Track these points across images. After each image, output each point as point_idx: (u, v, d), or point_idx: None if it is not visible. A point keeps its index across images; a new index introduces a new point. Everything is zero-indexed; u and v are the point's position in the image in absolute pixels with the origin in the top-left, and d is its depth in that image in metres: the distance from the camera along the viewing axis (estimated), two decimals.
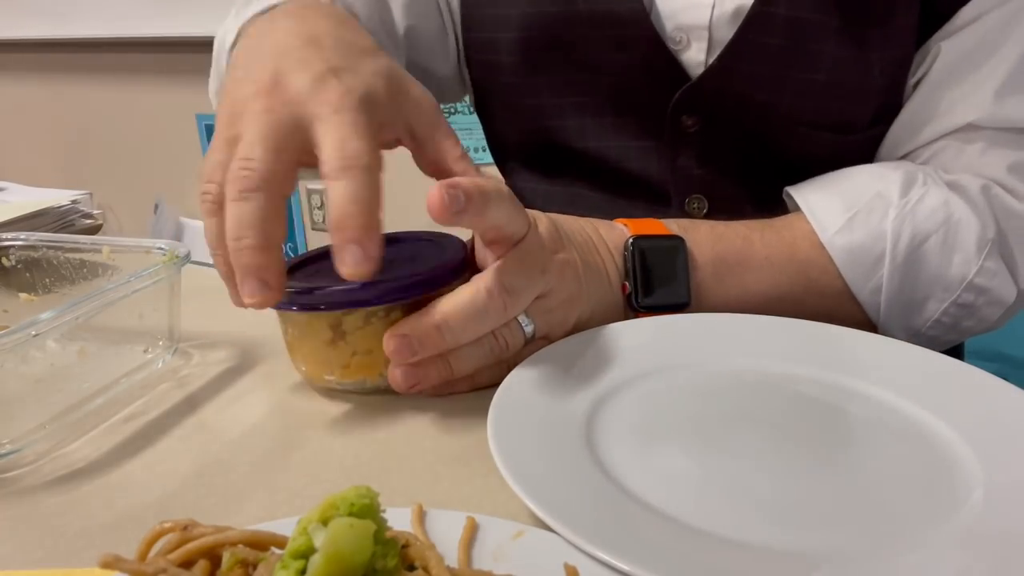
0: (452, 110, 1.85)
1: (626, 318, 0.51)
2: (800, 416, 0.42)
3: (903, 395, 0.43)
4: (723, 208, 0.64)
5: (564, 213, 0.59)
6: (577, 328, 0.48)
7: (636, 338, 0.48)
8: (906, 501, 0.35)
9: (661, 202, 0.66)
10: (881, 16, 0.57)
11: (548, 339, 0.47)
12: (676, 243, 0.51)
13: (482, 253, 0.46)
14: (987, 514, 0.34)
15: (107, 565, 0.26)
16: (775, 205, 0.59)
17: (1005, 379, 0.43)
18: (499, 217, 0.42)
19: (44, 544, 0.35)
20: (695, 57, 0.61)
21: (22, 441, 0.42)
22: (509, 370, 0.44)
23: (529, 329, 0.45)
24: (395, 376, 0.43)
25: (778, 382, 0.45)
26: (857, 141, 0.62)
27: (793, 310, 0.52)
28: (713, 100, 0.62)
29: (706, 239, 0.53)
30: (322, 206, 2.15)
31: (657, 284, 0.51)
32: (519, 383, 0.43)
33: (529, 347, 0.46)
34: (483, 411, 0.40)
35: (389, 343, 0.42)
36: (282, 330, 0.47)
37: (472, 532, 0.32)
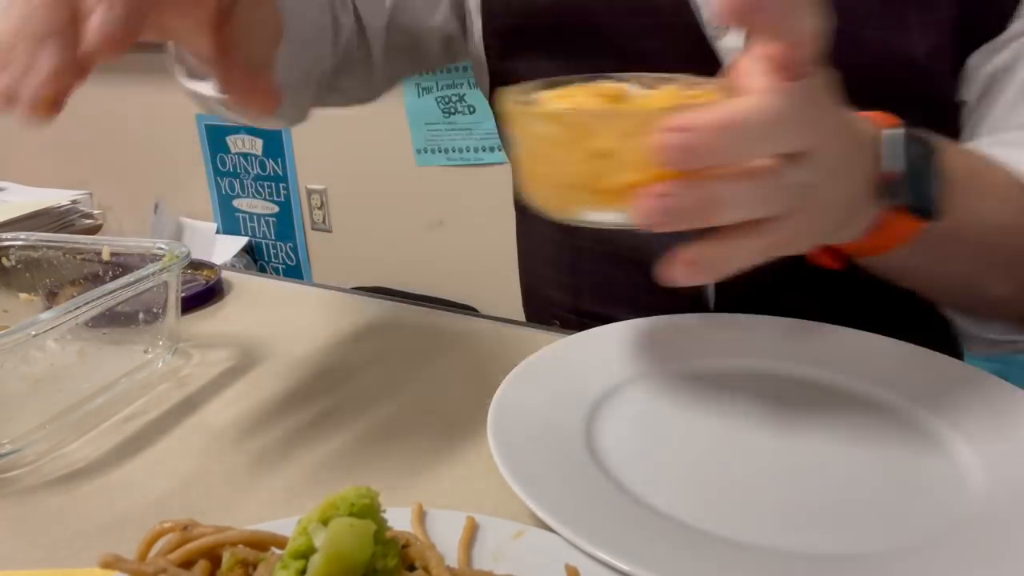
0: (452, 110, 1.84)
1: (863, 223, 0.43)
2: (800, 416, 0.42)
3: (904, 395, 0.43)
4: None
5: None
6: (824, 232, 0.40)
7: (636, 338, 0.48)
8: (906, 501, 0.35)
9: None
10: (920, 2, 0.56)
11: (795, 231, 0.36)
12: (935, 142, 0.45)
13: (748, 79, 0.37)
14: (987, 514, 0.34)
15: (107, 565, 0.26)
16: None
17: (1005, 379, 0.43)
18: (807, 28, 0.35)
19: (44, 544, 0.35)
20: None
21: (22, 441, 0.42)
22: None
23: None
24: (643, 206, 0.34)
25: (778, 383, 0.45)
26: None
27: (1016, 242, 0.49)
28: None
29: (952, 146, 0.47)
30: (322, 206, 2.15)
31: (912, 182, 0.44)
32: (519, 383, 0.43)
33: (769, 237, 0.36)
34: (483, 411, 0.40)
35: (660, 138, 0.34)
36: (518, 149, 0.39)
37: (472, 532, 0.32)
